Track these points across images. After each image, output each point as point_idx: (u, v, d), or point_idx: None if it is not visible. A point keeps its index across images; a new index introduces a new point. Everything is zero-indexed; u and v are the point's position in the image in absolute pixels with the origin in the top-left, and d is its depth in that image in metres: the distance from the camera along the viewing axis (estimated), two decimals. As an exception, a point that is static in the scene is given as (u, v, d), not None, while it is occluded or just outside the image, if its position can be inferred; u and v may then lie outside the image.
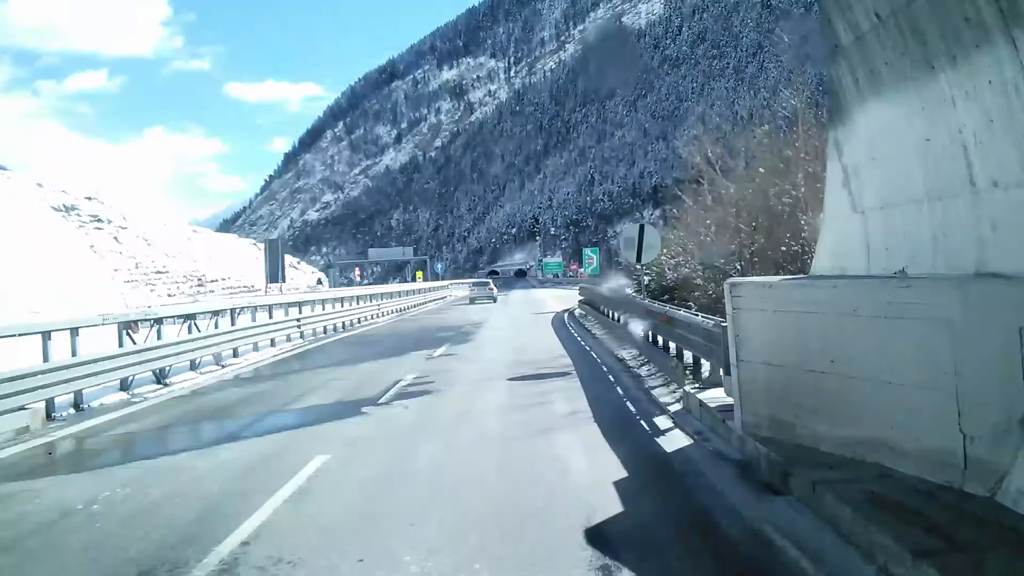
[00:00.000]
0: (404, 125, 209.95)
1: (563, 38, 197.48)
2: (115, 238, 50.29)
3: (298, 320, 19.45)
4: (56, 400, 9.00)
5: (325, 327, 21.65)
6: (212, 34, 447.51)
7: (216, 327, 14.81)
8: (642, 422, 7.90)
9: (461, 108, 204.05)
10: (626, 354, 13.61)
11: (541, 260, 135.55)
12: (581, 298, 29.26)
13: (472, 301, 40.24)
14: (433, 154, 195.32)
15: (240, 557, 4.18)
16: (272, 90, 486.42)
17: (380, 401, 9.48)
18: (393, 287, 49.26)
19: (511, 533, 4.45)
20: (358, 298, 29.39)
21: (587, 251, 58.58)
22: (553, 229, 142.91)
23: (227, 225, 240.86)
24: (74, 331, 9.86)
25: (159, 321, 12.49)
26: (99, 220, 51.74)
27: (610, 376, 11.41)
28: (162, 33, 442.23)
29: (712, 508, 4.85)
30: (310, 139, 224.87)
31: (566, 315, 27.06)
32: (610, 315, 19.38)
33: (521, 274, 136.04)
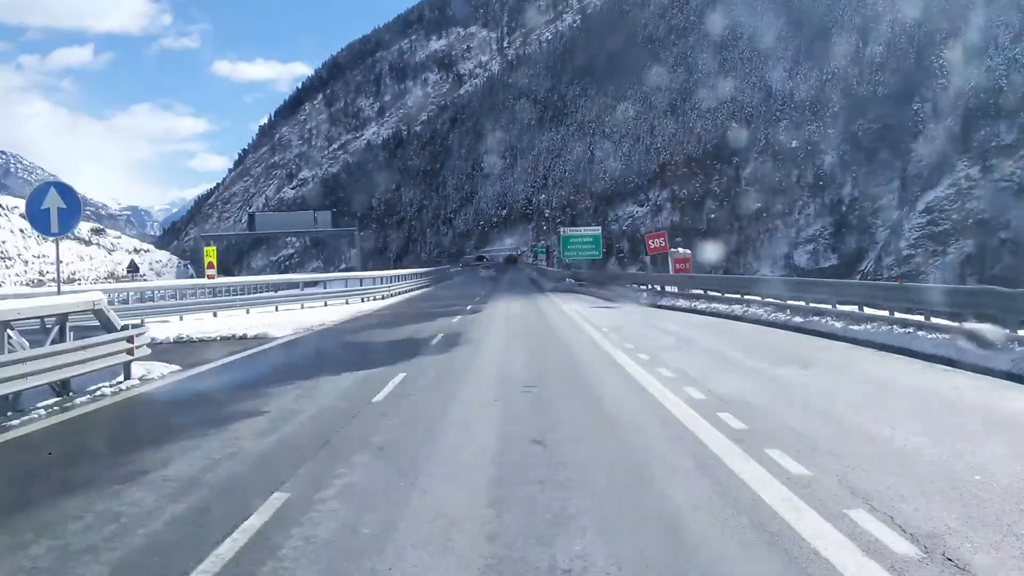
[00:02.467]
0: (388, 98, 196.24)
1: (560, 7, 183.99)
2: None
3: None
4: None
5: None
6: (201, 12, 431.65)
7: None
8: None
9: (450, 80, 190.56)
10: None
11: (534, 245, 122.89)
12: None
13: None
14: (419, 129, 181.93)
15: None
16: (261, 70, 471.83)
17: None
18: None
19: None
20: None
21: None
22: (548, 211, 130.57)
23: (201, 203, 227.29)
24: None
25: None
26: None
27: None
28: (150, 10, 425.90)
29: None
30: (288, 112, 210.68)
31: None
32: None
33: (512, 260, 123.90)
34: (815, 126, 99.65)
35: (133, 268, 46.43)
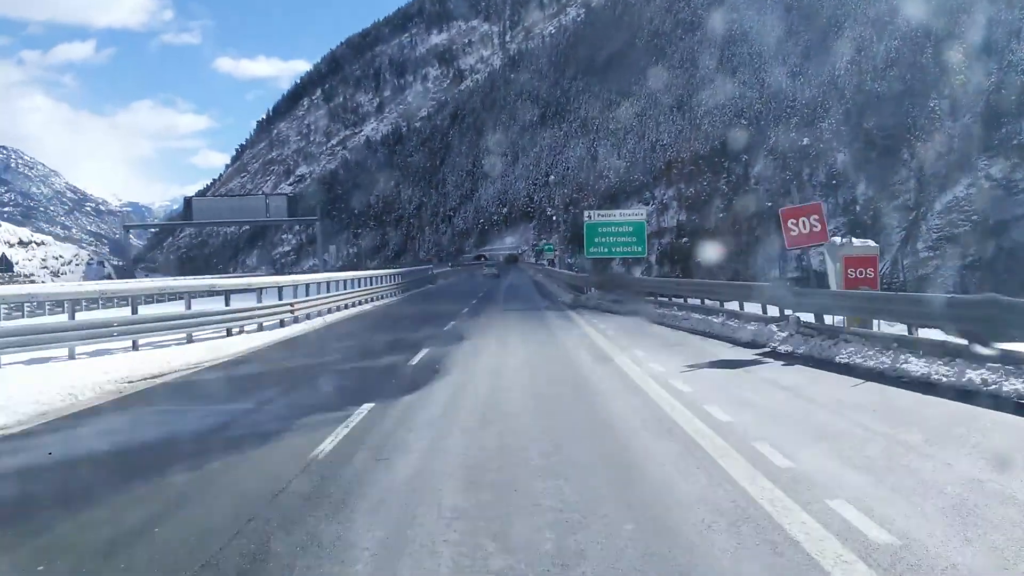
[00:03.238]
0: (387, 93, 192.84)
1: (564, 0, 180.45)
2: None
3: None
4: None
5: None
6: (202, 8, 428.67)
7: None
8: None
9: (450, 76, 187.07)
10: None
11: (535, 243, 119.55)
12: None
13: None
14: (418, 125, 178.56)
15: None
16: (263, 67, 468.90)
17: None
18: None
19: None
20: None
21: None
22: (550, 209, 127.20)
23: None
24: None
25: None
26: None
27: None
28: (151, 5, 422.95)
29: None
30: (286, 107, 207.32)
31: None
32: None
33: (512, 260, 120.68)
34: (826, 123, 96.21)
35: (5, 265, 35.17)
